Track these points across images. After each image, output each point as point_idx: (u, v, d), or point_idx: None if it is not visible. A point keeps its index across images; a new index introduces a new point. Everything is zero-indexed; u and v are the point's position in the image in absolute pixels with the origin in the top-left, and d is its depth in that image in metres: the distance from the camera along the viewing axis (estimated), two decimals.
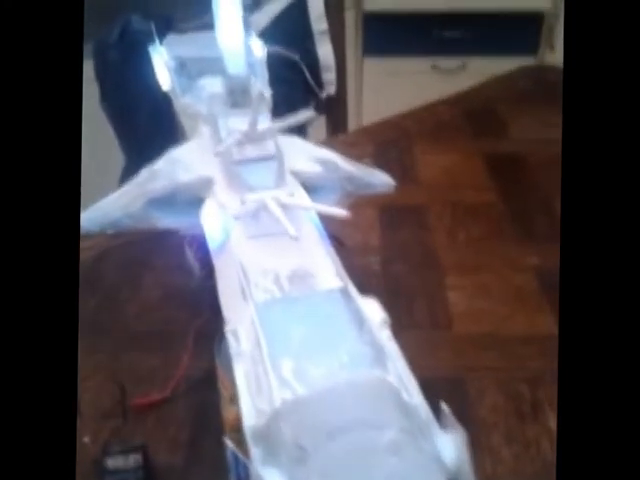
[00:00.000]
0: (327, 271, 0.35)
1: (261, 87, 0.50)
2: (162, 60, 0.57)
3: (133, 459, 0.39)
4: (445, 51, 1.83)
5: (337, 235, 0.53)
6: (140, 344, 0.52)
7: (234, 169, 0.42)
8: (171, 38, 0.62)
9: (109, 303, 0.58)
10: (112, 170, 0.94)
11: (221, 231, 0.40)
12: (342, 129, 1.06)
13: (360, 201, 0.72)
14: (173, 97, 0.58)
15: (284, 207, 0.38)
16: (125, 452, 0.39)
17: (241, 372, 0.30)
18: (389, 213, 0.70)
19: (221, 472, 0.30)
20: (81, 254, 0.69)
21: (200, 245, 0.51)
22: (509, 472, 0.40)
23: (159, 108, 0.88)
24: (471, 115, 0.99)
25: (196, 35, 0.61)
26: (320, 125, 1.06)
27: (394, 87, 1.76)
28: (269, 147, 0.43)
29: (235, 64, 0.46)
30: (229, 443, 0.26)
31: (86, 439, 0.43)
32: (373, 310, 0.33)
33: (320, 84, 0.95)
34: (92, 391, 0.46)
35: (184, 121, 0.56)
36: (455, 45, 1.84)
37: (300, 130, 0.81)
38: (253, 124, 0.41)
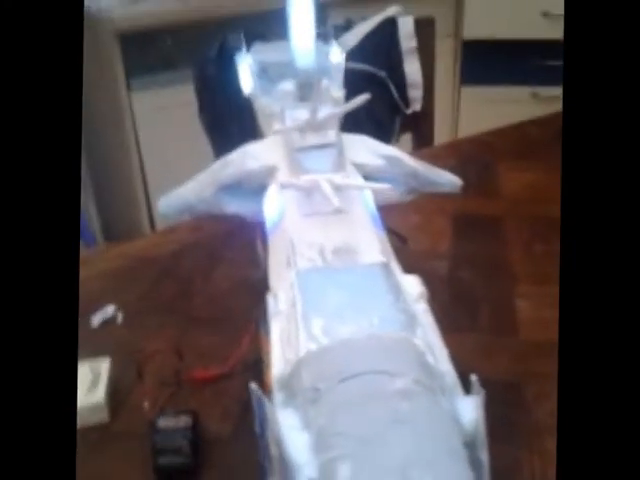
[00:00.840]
0: (372, 248, 0.36)
1: (329, 83, 0.52)
2: (247, 65, 0.61)
3: (184, 421, 0.41)
4: (546, 79, 1.79)
5: (399, 232, 0.54)
6: (205, 326, 0.55)
7: (295, 155, 0.44)
8: (257, 46, 0.66)
9: (182, 291, 0.61)
10: None
11: (277, 211, 0.42)
12: (428, 146, 1.06)
13: (432, 207, 0.72)
14: (254, 100, 0.61)
15: (337, 188, 0.39)
16: (177, 414, 0.41)
17: (276, 328, 0.31)
18: (462, 221, 0.70)
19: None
20: (164, 247, 0.74)
21: (266, 235, 0.53)
22: None
23: (251, 120, 0.93)
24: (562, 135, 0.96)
25: (280, 43, 0.65)
26: (406, 142, 1.07)
27: (492, 115, 1.74)
28: (329, 135, 0.44)
29: (303, 58, 0.48)
30: (254, 387, 0.27)
31: (145, 404, 0.45)
32: (412, 284, 0.34)
33: (406, 101, 0.96)
34: (156, 362, 0.49)
35: (263, 124, 0.59)
36: (556, 73, 1.79)
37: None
38: (314, 112, 0.43)
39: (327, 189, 0.38)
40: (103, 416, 0.44)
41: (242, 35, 0.71)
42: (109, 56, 1.38)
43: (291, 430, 0.24)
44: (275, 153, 0.48)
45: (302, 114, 0.46)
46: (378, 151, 0.50)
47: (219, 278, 0.63)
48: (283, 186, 0.40)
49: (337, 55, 0.61)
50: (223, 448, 0.42)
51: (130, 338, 0.53)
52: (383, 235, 0.40)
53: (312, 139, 0.44)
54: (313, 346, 0.28)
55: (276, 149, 0.48)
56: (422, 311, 0.32)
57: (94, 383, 0.45)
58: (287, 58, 0.59)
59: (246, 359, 0.50)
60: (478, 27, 1.80)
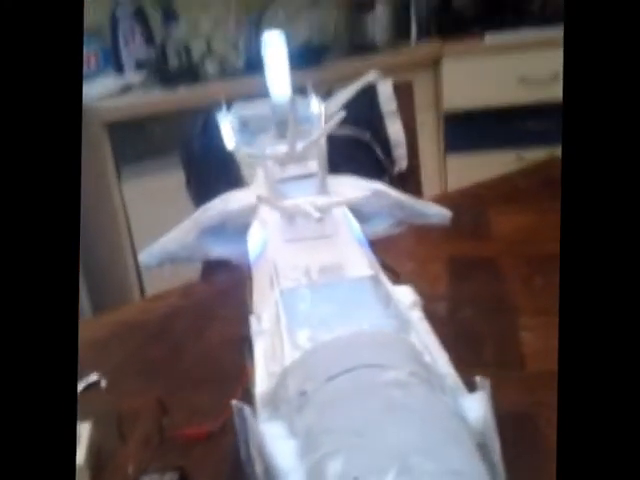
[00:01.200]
0: (360, 264, 0.34)
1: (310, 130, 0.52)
2: (228, 122, 0.62)
3: (169, 477, 0.37)
4: (529, 142, 1.82)
5: (391, 266, 0.52)
6: (194, 386, 0.52)
7: (276, 187, 0.43)
8: (238, 104, 0.67)
9: (171, 353, 0.58)
10: None
11: (260, 242, 0.40)
12: None
13: (425, 254, 0.70)
14: (236, 154, 0.61)
15: (320, 210, 0.38)
16: (162, 470, 0.37)
17: (260, 347, 0.29)
18: (457, 264, 0.68)
19: None
20: (153, 312, 0.71)
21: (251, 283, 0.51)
22: None
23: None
24: (549, 183, 0.96)
25: (259, 100, 0.65)
26: None
27: (479, 179, 1.76)
28: (310, 165, 0.44)
29: (278, 92, 0.48)
30: (235, 404, 0.25)
31: (129, 467, 0.42)
32: (404, 294, 0.31)
33: (392, 160, 0.97)
34: (140, 422, 0.45)
35: (247, 176, 0.59)
36: (539, 136, 1.83)
37: None
38: (292, 142, 0.42)
39: (309, 208, 0.36)
40: None
41: (223, 100, 0.72)
42: (98, 146, 1.40)
43: (275, 439, 0.21)
44: (257, 194, 0.47)
45: (281, 148, 0.46)
46: (362, 185, 0.49)
47: (211, 337, 0.60)
48: (263, 205, 0.39)
49: (316, 106, 0.62)
50: None
51: (113, 402, 0.49)
52: (372, 257, 0.38)
53: (293, 170, 0.43)
54: (297, 355, 0.25)
55: (259, 190, 0.47)
56: (417, 318, 0.29)
57: None
58: (266, 112, 0.59)
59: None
60: (457, 97, 1.85)
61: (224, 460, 0.42)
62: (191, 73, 1.60)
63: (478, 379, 0.23)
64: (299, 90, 0.56)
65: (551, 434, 0.42)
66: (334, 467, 0.18)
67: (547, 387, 0.47)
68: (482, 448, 0.20)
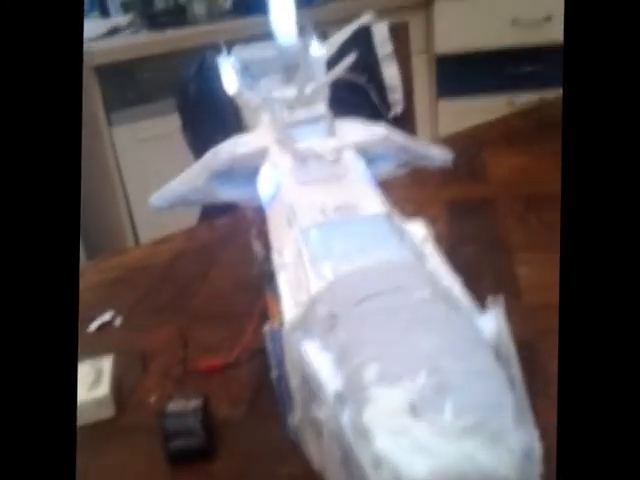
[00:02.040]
0: (373, 203, 0.36)
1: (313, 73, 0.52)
2: (229, 66, 0.62)
3: (194, 404, 0.39)
4: (521, 86, 1.82)
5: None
6: (206, 323, 0.54)
7: (286, 131, 0.44)
8: (237, 47, 0.66)
9: (181, 293, 0.60)
10: None
11: (273, 185, 0.42)
12: None
13: (424, 197, 0.72)
14: (238, 98, 0.61)
15: (332, 151, 0.39)
16: (186, 398, 0.40)
17: (284, 280, 0.31)
18: (455, 206, 0.70)
19: (278, 426, 0.30)
20: (160, 255, 0.72)
21: (262, 225, 0.52)
22: None
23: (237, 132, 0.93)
24: (541, 125, 0.98)
25: (260, 43, 0.65)
26: None
27: (470, 124, 1.77)
28: (319, 108, 0.45)
29: (285, 35, 0.48)
30: (267, 328, 0.27)
31: (152, 397, 0.44)
32: (417, 228, 0.33)
33: (387, 105, 0.97)
34: (160, 356, 0.48)
35: (250, 120, 0.59)
36: (531, 80, 1.83)
37: None
38: (302, 86, 0.43)
39: (322, 151, 0.38)
40: (109, 411, 0.43)
41: (222, 43, 0.72)
42: (88, 90, 1.38)
43: (311, 352, 0.23)
44: (266, 137, 0.48)
45: (289, 93, 0.46)
46: (367, 129, 0.51)
47: (217, 278, 0.62)
48: (274, 148, 0.40)
49: (317, 48, 0.62)
50: (236, 431, 0.41)
51: (130, 338, 0.52)
52: (383, 197, 0.39)
53: (302, 114, 0.44)
54: (324, 284, 0.27)
55: (266, 134, 0.48)
56: (429, 251, 0.31)
57: (97, 380, 0.44)
58: (269, 55, 0.59)
59: (251, 348, 0.49)
60: (449, 41, 1.83)
61: (243, 387, 0.45)
62: (178, 15, 1.56)
63: (490, 299, 0.25)
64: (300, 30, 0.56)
65: (550, 360, 0.45)
66: (370, 372, 0.20)
67: (544, 318, 0.50)
68: (500, 359, 0.23)
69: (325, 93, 0.46)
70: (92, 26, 1.51)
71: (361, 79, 0.97)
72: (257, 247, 0.58)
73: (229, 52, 0.66)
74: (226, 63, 0.63)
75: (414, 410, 0.19)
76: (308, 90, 0.44)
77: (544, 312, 0.50)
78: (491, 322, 0.25)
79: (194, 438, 0.38)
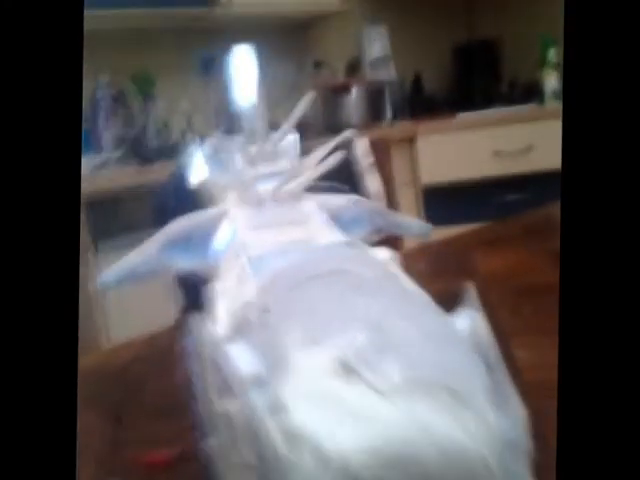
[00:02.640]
0: (333, 236, 0.31)
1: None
2: (199, 154, 0.60)
3: None
4: (507, 213, 1.83)
5: None
6: (152, 416, 0.47)
7: (245, 185, 0.40)
8: (210, 139, 0.65)
9: (130, 392, 0.53)
10: None
11: (228, 234, 0.37)
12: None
13: None
14: (207, 185, 0.59)
15: (291, 196, 0.35)
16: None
17: (221, 304, 0.25)
18: (444, 298, 0.65)
19: None
20: (116, 359, 0.65)
21: None
22: None
23: None
24: (529, 229, 0.96)
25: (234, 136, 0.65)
26: None
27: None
28: (283, 163, 0.42)
29: (246, 99, 0.47)
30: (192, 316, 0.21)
31: None
32: (381, 252, 0.28)
33: None
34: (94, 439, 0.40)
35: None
36: (517, 208, 1.84)
37: None
38: (262, 141, 0.41)
39: (278, 190, 0.34)
40: None
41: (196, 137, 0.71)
42: None
43: (234, 349, 0.17)
44: (227, 204, 0.45)
45: (252, 149, 0.44)
46: (338, 195, 0.47)
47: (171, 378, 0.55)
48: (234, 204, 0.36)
49: (292, 137, 0.60)
50: None
51: None
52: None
53: (264, 168, 0.41)
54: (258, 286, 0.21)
55: (229, 202, 0.45)
56: (394, 270, 0.26)
57: None
58: (239, 141, 0.58)
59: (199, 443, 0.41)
60: (434, 172, 1.89)
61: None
62: (170, 150, 1.61)
63: (467, 285, 0.20)
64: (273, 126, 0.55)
65: (551, 435, 0.38)
66: (291, 339, 0.14)
67: (545, 394, 0.43)
68: (478, 352, 0.17)
69: (294, 149, 0.43)
70: (83, 162, 1.55)
71: (344, 188, 0.97)
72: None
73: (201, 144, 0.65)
74: (196, 152, 0.61)
75: (345, 371, 0.13)
76: (292, 185, 0.41)
77: (545, 389, 0.44)
78: (464, 319, 0.19)
79: None
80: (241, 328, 0.20)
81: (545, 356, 0.49)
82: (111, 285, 0.46)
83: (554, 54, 1.86)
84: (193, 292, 0.50)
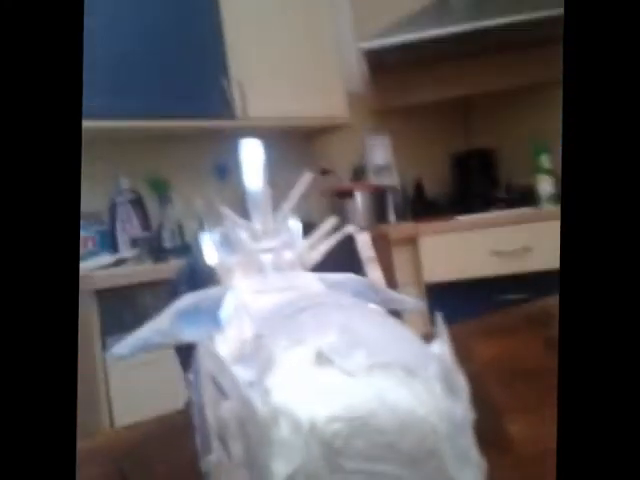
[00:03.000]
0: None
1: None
2: (208, 240, 0.65)
3: None
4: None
5: None
6: None
7: (248, 258, 0.45)
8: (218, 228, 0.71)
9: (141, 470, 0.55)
10: None
11: (231, 302, 0.41)
12: None
13: None
14: (218, 268, 0.64)
15: (288, 264, 0.40)
16: None
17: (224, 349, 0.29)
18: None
19: None
20: (124, 439, 0.67)
21: None
22: None
23: None
24: (525, 319, 0.98)
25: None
26: None
27: None
28: (285, 239, 0.46)
29: (253, 183, 0.52)
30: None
31: None
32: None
33: None
34: None
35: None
36: (517, 304, 1.87)
37: None
38: (266, 218, 0.46)
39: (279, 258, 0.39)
40: None
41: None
42: (86, 314, 1.42)
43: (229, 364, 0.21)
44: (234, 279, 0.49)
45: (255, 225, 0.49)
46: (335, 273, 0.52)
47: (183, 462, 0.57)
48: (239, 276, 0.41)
49: (295, 224, 0.66)
50: None
51: None
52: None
53: (267, 243, 0.46)
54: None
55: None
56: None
57: None
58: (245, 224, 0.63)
59: None
60: (435, 271, 1.93)
61: None
62: (183, 250, 1.68)
63: (437, 315, 0.24)
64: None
65: None
66: (277, 344, 0.18)
67: (538, 465, 0.45)
68: (442, 367, 0.21)
69: (296, 235, 0.48)
70: (100, 260, 1.62)
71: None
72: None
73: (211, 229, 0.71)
74: (206, 238, 0.67)
75: (321, 360, 0.17)
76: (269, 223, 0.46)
77: (536, 461, 0.46)
78: (435, 345, 0.23)
79: None
80: (239, 357, 0.23)
81: (535, 430, 0.51)
82: (125, 355, 0.49)
83: (546, 160, 1.97)
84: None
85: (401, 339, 0.20)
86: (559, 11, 2.23)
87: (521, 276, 1.86)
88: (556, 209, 1.98)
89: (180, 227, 1.78)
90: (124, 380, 1.46)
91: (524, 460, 0.46)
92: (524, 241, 1.85)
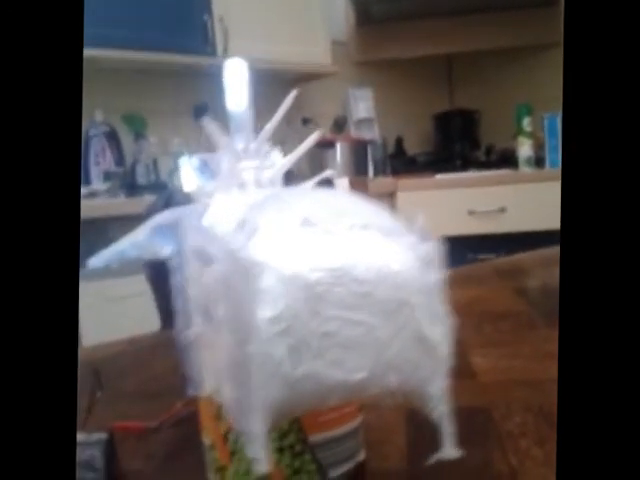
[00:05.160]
0: None
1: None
2: (188, 165, 0.64)
3: (96, 436, 0.34)
4: None
5: None
6: (131, 401, 0.49)
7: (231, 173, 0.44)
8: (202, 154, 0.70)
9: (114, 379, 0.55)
10: None
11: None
12: None
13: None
14: (196, 194, 0.63)
15: (270, 181, 0.40)
16: (87, 432, 0.34)
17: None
18: None
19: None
20: (98, 354, 0.67)
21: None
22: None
23: None
24: (497, 270, 1.00)
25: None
26: None
27: None
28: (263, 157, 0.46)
29: (237, 104, 0.51)
30: None
31: None
32: None
33: None
34: None
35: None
36: None
37: None
38: (248, 136, 0.45)
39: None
40: None
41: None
42: None
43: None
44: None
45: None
46: None
47: (153, 367, 0.57)
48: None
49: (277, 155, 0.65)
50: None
51: None
52: None
53: (248, 163, 0.45)
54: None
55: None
56: None
57: None
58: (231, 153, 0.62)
59: (178, 417, 0.44)
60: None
61: (160, 445, 0.39)
62: (157, 187, 1.66)
63: (418, 216, 0.24)
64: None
65: (501, 421, 0.41)
66: (267, 211, 0.19)
67: (495, 392, 0.47)
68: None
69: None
70: None
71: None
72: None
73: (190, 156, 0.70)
74: (186, 163, 0.66)
75: (306, 224, 0.18)
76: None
77: (496, 388, 0.48)
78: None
79: (93, 472, 0.32)
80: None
81: (497, 363, 0.53)
82: (99, 266, 0.49)
83: (528, 123, 1.97)
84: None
85: (381, 213, 0.21)
86: None
87: (494, 236, 1.88)
88: (533, 171, 1.99)
89: (155, 163, 1.75)
90: (96, 313, 1.45)
91: (485, 386, 0.48)
92: (500, 202, 1.87)
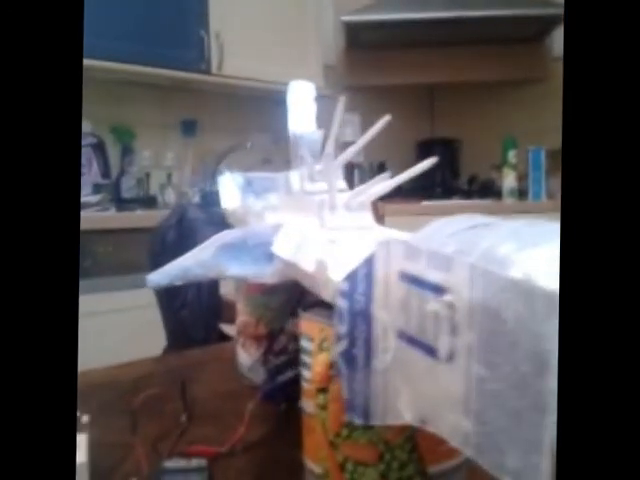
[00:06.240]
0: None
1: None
2: (229, 180, 0.63)
3: (196, 463, 0.33)
4: None
5: None
6: (193, 424, 0.47)
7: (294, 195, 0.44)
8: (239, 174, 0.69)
9: (157, 401, 0.53)
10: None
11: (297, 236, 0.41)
12: None
13: None
14: (238, 212, 0.62)
15: (359, 205, 0.40)
16: (186, 458, 0.33)
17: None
18: None
19: None
20: (125, 375, 0.65)
21: (256, 329, 0.50)
22: None
23: (205, 289, 0.92)
24: None
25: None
26: None
27: None
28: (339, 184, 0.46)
29: (304, 126, 0.51)
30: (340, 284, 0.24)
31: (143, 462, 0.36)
32: None
33: None
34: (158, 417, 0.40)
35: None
36: None
37: None
38: (313, 165, 0.45)
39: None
40: None
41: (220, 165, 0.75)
42: None
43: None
44: (277, 219, 0.48)
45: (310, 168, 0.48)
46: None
47: (196, 391, 0.56)
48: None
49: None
50: None
51: (100, 434, 0.44)
52: None
53: (320, 185, 0.45)
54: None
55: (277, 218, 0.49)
56: None
57: None
58: (270, 175, 0.62)
59: (245, 441, 0.42)
60: None
61: (241, 473, 0.38)
62: (148, 201, 1.63)
63: None
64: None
65: None
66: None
67: None
68: None
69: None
70: None
71: None
72: (242, 357, 0.54)
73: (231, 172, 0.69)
74: (227, 180, 0.65)
75: None
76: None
77: None
78: None
79: None
80: None
81: None
82: (161, 285, 0.48)
83: (514, 155, 2.02)
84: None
85: None
86: (537, 10, 2.28)
87: None
88: (516, 203, 2.04)
89: (148, 176, 1.72)
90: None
91: None
92: None
